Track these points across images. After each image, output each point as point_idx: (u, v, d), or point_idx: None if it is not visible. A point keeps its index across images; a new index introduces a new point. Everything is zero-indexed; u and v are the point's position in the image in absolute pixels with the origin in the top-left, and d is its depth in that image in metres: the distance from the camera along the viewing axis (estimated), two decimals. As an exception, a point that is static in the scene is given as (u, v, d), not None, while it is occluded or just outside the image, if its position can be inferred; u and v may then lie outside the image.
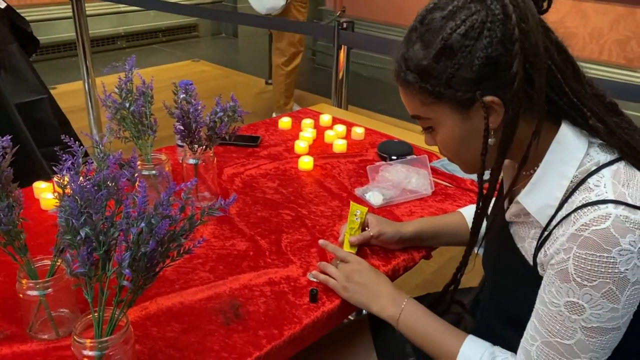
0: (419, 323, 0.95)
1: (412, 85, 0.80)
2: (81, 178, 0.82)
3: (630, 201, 0.71)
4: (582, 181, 0.76)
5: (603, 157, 0.77)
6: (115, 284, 0.76)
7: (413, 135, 1.82)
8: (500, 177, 0.94)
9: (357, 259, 1.05)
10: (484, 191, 0.88)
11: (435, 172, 1.52)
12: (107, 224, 0.77)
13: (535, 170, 0.82)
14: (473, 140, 0.80)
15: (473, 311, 1.09)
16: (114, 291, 0.77)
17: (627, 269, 0.70)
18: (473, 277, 1.04)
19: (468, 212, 1.19)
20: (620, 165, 0.76)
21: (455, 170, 1.54)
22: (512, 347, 0.85)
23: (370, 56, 4.86)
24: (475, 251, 1.21)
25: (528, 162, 0.81)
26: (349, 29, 2.20)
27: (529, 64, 0.74)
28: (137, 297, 0.78)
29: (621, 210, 0.70)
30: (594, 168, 0.76)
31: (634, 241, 0.70)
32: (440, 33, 0.75)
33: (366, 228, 1.16)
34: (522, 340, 0.81)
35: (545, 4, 0.78)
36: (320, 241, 1.13)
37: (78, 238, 0.76)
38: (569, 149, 0.78)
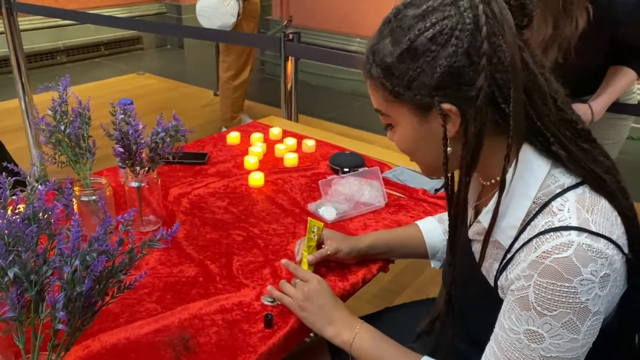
0: (373, 347, 0.92)
1: (375, 80, 0.78)
2: (9, 211, 0.75)
3: (593, 228, 0.69)
4: (546, 204, 0.74)
5: (568, 179, 0.75)
6: (50, 327, 0.70)
7: (364, 145, 1.81)
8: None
9: (318, 279, 1.02)
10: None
11: (387, 183, 1.51)
12: (39, 261, 0.71)
13: (494, 182, 0.80)
14: (427, 144, 0.79)
15: (432, 325, 1.07)
16: (48, 335, 0.70)
17: (588, 299, 0.68)
18: (437, 287, 1.02)
19: (424, 224, 1.18)
20: (586, 189, 0.74)
21: (407, 180, 1.53)
22: None
23: (319, 65, 4.85)
24: (432, 265, 1.20)
25: (488, 173, 0.81)
26: (295, 40, 2.17)
27: (501, 80, 0.71)
28: (75, 339, 0.72)
29: (584, 238, 0.68)
30: (558, 190, 0.74)
31: (595, 270, 0.68)
32: (409, 33, 0.73)
33: (322, 245, 1.14)
34: None
35: (525, 20, 0.76)
36: (283, 261, 1.09)
37: (6, 279, 0.69)
38: (530, 168, 0.76)
